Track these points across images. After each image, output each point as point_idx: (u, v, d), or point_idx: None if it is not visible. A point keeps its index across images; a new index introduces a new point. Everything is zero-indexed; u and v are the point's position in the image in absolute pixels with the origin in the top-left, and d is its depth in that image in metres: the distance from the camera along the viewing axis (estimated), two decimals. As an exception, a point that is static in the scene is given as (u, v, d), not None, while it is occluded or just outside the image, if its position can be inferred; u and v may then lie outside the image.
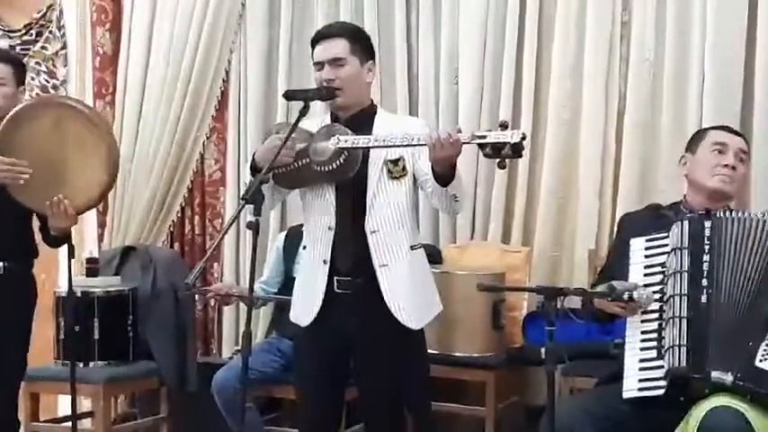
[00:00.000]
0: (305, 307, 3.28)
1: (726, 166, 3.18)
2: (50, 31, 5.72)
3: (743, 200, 4.04)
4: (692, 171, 3.26)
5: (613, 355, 3.38)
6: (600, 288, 3.04)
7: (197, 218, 5.45)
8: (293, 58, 5.19)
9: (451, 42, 4.84)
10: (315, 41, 3.29)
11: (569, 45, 4.60)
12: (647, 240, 3.08)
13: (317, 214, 3.25)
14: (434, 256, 4.51)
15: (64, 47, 5.72)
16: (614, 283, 2.97)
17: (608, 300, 2.95)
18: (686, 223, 3.02)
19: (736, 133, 3.33)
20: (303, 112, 3.12)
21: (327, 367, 3.28)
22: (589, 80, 4.57)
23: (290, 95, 3.32)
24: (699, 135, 3.35)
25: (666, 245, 3.03)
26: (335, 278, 3.21)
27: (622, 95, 4.55)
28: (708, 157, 3.22)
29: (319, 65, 3.25)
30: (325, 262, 3.21)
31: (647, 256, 3.06)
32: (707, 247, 2.98)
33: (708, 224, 3.01)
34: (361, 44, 3.28)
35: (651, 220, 3.22)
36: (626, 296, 2.90)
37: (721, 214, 3.04)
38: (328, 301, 3.21)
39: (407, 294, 3.20)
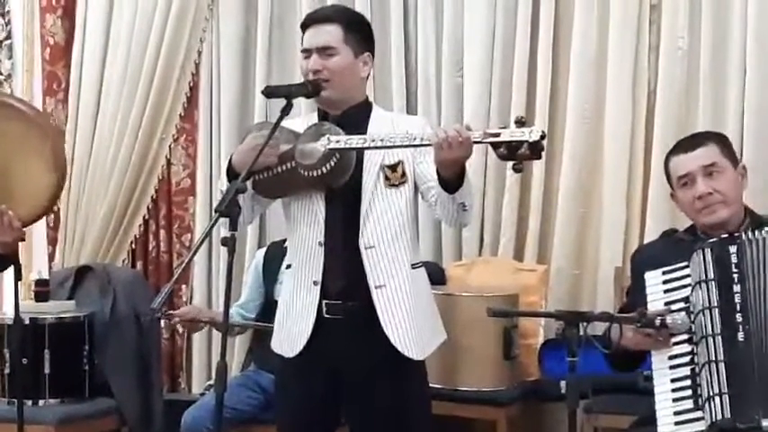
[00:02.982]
0: (290, 335, 3.27)
1: (700, 197, 3.15)
2: (-7, 19, 5.75)
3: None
4: (681, 208, 3.28)
5: (643, 388, 3.39)
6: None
7: (163, 233, 5.45)
8: (273, 48, 5.21)
9: (455, 28, 4.86)
10: (305, 25, 3.30)
11: (591, 31, 4.62)
12: (663, 273, 3.08)
13: (304, 227, 3.25)
14: (436, 275, 4.51)
15: (9, 36, 5.74)
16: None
17: (637, 326, 2.96)
18: (708, 251, 3.01)
19: (693, 144, 3.23)
20: (285, 110, 3.11)
21: (315, 405, 3.28)
22: (614, 72, 4.59)
23: (270, 92, 3.32)
24: (665, 167, 3.31)
25: (688, 275, 3.03)
26: (324, 302, 3.21)
27: (652, 90, 4.57)
28: (682, 195, 3.21)
29: (307, 52, 3.25)
30: (315, 283, 3.21)
31: (666, 291, 3.06)
32: (736, 276, 2.97)
33: (733, 249, 2.99)
34: (358, 33, 3.28)
35: (668, 248, 3.21)
36: (658, 321, 2.91)
37: (747, 236, 3.01)
38: (316, 329, 3.21)
39: (408, 320, 3.19)
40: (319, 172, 3.14)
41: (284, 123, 3.15)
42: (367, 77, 3.35)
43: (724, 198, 3.14)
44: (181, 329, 5.28)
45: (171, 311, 4.56)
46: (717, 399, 2.90)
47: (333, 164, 3.12)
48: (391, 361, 3.19)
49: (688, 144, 3.25)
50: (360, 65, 3.28)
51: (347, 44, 3.23)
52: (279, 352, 3.33)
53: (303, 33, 3.30)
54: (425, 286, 3.35)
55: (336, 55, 3.22)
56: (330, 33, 3.23)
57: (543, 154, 2.92)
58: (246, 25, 5.28)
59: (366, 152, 3.17)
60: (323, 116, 3.30)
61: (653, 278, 3.10)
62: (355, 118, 3.27)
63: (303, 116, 3.47)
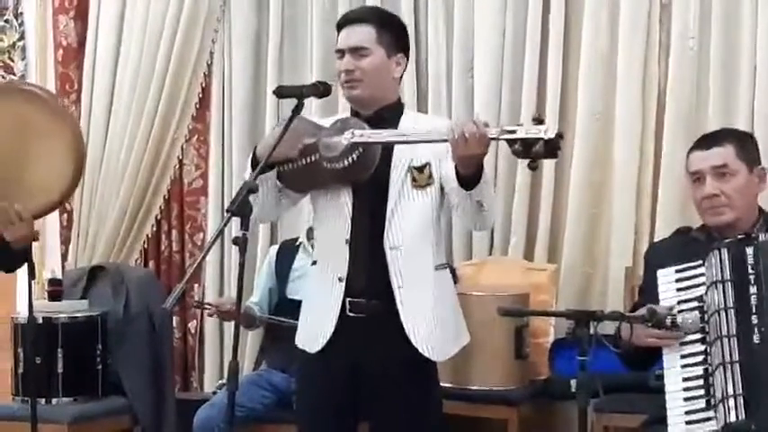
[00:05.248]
0: (313, 331, 3.28)
1: (707, 197, 3.14)
2: (6, 20, 5.75)
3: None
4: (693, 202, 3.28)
5: (654, 387, 3.38)
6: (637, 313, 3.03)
7: (175, 232, 5.46)
8: (284, 48, 5.21)
9: (465, 28, 4.86)
10: (340, 26, 3.32)
11: (601, 31, 4.61)
12: (677, 271, 3.08)
13: (332, 223, 3.27)
14: (448, 274, 4.50)
15: (22, 37, 5.75)
16: (654, 306, 2.97)
17: (648, 325, 2.95)
18: (725, 251, 2.99)
19: (710, 142, 3.21)
20: (296, 110, 3.11)
21: (335, 401, 3.28)
22: (624, 72, 4.58)
23: (281, 92, 3.33)
24: (687, 160, 3.30)
25: (701, 275, 3.02)
26: (347, 299, 3.22)
27: (662, 89, 4.56)
28: (692, 191, 3.21)
29: (340, 53, 3.27)
30: (340, 279, 3.22)
31: (679, 290, 3.05)
32: (752, 278, 2.96)
33: (750, 250, 2.98)
34: (392, 33, 3.29)
35: (681, 247, 3.20)
36: (668, 321, 2.90)
37: (764, 237, 3.01)
38: (339, 326, 3.22)
39: (429, 321, 3.20)
40: (342, 164, 3.15)
41: (319, 120, 3.18)
42: (400, 78, 3.35)
43: (729, 201, 3.13)
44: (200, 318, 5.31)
45: (209, 302, 4.60)
46: (731, 400, 2.87)
47: (355, 157, 3.13)
48: (410, 361, 3.20)
49: (706, 141, 3.23)
50: (393, 65, 3.28)
51: (380, 44, 3.24)
52: (302, 347, 3.34)
53: (338, 34, 3.31)
54: (449, 287, 3.36)
55: (369, 55, 3.23)
56: (363, 34, 3.24)
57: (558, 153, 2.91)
58: (258, 26, 5.28)
59: (394, 152, 3.19)
60: (354, 115, 3.29)
61: (666, 276, 3.09)
62: (387, 118, 3.27)
63: (339, 115, 3.47)
